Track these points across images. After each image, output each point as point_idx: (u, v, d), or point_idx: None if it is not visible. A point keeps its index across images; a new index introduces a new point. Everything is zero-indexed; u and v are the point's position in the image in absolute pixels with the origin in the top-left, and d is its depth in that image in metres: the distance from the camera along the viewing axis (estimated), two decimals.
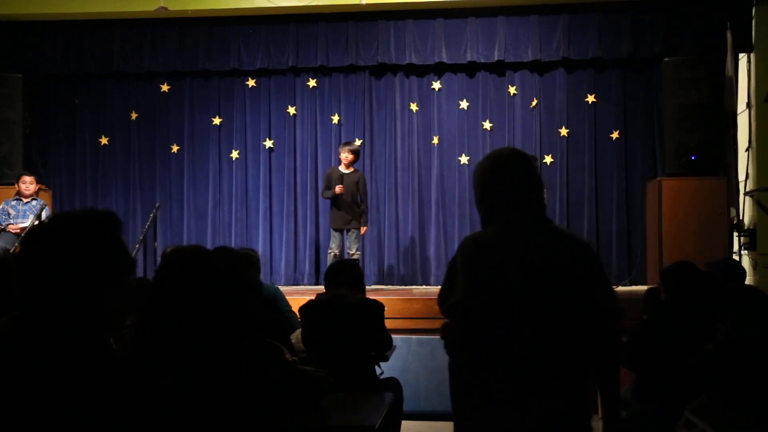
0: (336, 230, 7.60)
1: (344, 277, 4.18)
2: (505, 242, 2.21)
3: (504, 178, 2.27)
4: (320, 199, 8.70)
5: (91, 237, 1.45)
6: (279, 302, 4.91)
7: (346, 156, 7.55)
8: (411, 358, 5.92)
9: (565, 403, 2.21)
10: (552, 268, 2.18)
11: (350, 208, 7.50)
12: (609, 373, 2.38)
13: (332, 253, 7.54)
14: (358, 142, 8.59)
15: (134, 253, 7.46)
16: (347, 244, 7.54)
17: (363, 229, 7.63)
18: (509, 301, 2.16)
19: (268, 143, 8.83)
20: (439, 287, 2.42)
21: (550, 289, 2.17)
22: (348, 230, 7.53)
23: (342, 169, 7.58)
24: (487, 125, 8.61)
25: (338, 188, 7.39)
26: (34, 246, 1.44)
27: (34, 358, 1.37)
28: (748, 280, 7.11)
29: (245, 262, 3.52)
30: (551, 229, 2.29)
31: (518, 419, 2.18)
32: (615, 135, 8.41)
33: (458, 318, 2.21)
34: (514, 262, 2.17)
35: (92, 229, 1.46)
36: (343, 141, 8.68)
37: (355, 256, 7.44)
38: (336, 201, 7.51)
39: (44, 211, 7.49)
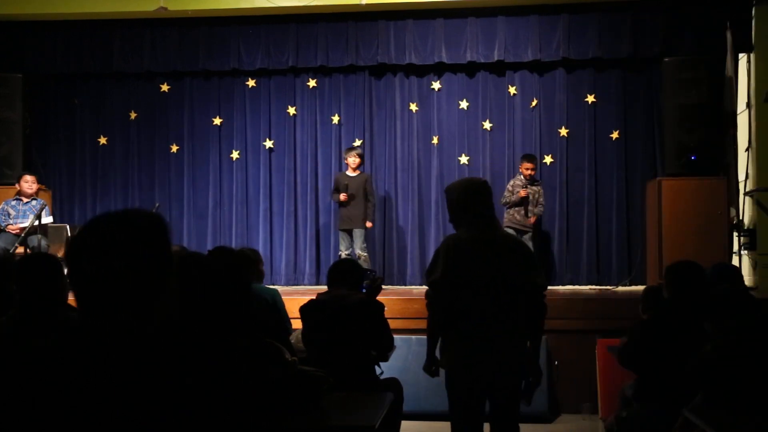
0: (343, 231, 7.75)
1: (346, 277, 4.17)
2: (473, 241, 3.44)
3: (475, 199, 3.50)
4: (320, 199, 8.74)
5: (151, 237, 1.48)
6: (278, 306, 4.88)
7: (354, 160, 7.75)
8: (411, 358, 5.91)
9: (508, 358, 3.40)
10: (501, 259, 3.41)
11: (356, 209, 7.67)
12: (536, 330, 3.55)
13: (342, 255, 7.60)
14: (358, 142, 8.61)
15: None
16: (354, 243, 7.69)
17: (369, 224, 7.78)
18: (474, 281, 3.36)
19: (268, 143, 8.83)
20: None
21: (500, 273, 3.37)
22: (353, 229, 7.67)
23: (349, 173, 7.76)
24: (487, 125, 8.61)
25: (342, 196, 7.61)
26: (95, 244, 1.44)
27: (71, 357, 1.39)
28: (748, 280, 7.12)
29: (244, 262, 3.51)
30: (500, 234, 3.60)
31: (475, 363, 3.39)
32: (615, 135, 8.41)
33: (436, 289, 3.44)
34: (479, 255, 3.40)
35: (150, 230, 1.48)
36: (343, 141, 8.73)
37: (362, 255, 7.58)
38: (343, 202, 7.69)
39: (44, 210, 7.49)
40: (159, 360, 1.42)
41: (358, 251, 7.60)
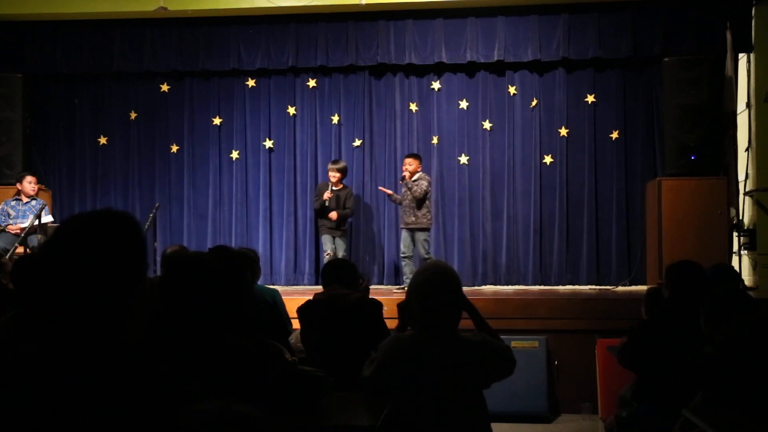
0: (325, 234, 7.91)
1: (341, 275, 4.16)
2: (415, 348, 2.78)
3: (429, 296, 2.76)
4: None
5: (123, 236, 1.47)
6: (278, 307, 4.88)
7: (333, 174, 7.86)
8: None
9: None
10: (446, 369, 2.73)
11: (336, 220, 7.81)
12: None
13: (327, 254, 7.76)
14: (358, 142, 8.61)
15: None
16: (336, 248, 7.86)
17: (334, 214, 7.74)
18: (410, 387, 2.75)
19: (268, 143, 8.83)
20: None
21: (442, 385, 2.73)
22: (334, 237, 7.87)
23: (332, 186, 7.88)
24: (487, 125, 8.61)
25: (327, 194, 7.72)
26: (69, 245, 1.43)
27: (63, 356, 1.38)
28: (748, 280, 7.12)
29: (242, 262, 3.50)
30: (454, 340, 2.81)
31: None
32: (615, 135, 8.40)
33: (368, 384, 2.86)
34: (420, 364, 2.75)
35: (121, 228, 1.48)
36: (343, 141, 8.74)
37: (338, 254, 7.80)
38: (323, 212, 7.83)
39: (44, 210, 7.49)
40: (143, 358, 1.41)
41: (341, 253, 7.79)
